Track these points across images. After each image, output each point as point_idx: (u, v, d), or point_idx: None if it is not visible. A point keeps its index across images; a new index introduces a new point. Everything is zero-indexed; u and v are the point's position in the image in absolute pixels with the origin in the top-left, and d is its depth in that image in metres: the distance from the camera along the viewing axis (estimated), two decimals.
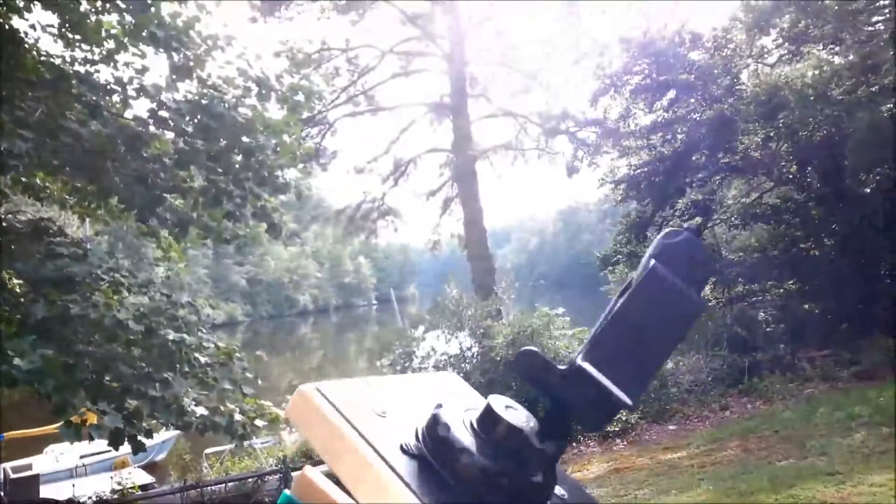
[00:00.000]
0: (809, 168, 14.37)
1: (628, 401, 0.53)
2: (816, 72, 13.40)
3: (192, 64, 5.76)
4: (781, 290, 14.61)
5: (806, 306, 14.24)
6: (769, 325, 14.30)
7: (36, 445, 16.15)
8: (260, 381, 5.84)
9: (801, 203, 14.45)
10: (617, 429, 11.41)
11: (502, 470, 0.51)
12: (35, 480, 12.13)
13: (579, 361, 0.55)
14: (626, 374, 0.55)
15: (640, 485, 8.18)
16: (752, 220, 14.95)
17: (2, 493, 12.49)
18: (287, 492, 0.53)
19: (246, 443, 8.72)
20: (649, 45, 15.07)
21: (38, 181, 7.01)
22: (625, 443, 11.11)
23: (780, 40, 14.76)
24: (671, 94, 15.25)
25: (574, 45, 20.59)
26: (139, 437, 4.83)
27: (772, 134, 14.01)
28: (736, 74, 14.88)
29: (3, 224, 5.62)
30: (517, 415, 0.54)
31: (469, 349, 14.11)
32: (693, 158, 14.86)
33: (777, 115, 13.30)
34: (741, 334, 13.81)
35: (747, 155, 14.23)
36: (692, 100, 14.86)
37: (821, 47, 14.05)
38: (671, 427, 11.63)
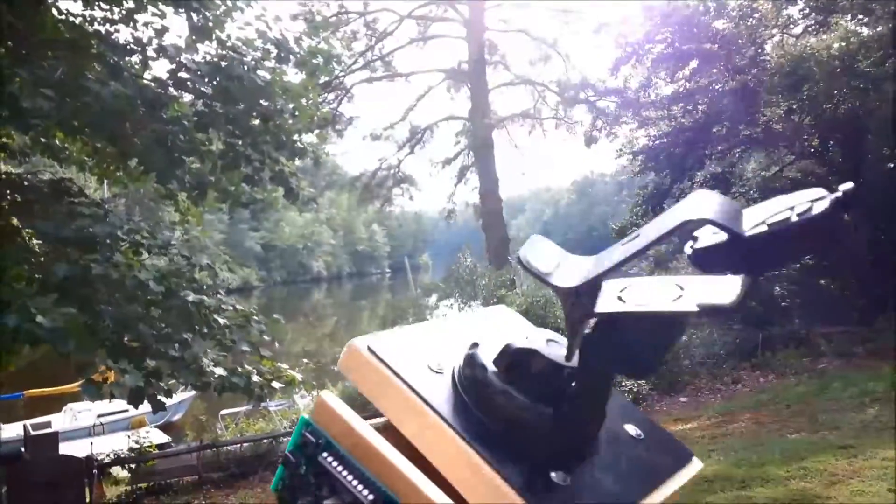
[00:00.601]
0: (832, 142, 14.13)
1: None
2: (843, 43, 13.09)
3: (211, 25, 5.72)
4: (798, 266, 14.49)
5: (822, 282, 14.14)
6: (784, 300, 14.21)
7: (54, 404, 16.50)
8: (277, 344, 5.91)
9: (823, 177, 14.23)
10: (628, 399, 11.47)
11: (536, 407, 0.50)
12: (54, 438, 12.36)
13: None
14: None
15: None
16: (772, 193, 14.52)
17: (22, 449, 12.80)
18: (305, 415, 0.53)
19: (261, 405, 8.85)
20: (673, 14, 14.78)
21: (57, 142, 7.04)
22: None
23: (807, 10, 14.41)
24: (694, 63, 15.00)
25: (595, 12, 20.23)
26: (158, 397, 4.91)
27: (795, 106, 13.76)
28: (760, 45, 14.59)
29: (25, 184, 5.66)
30: (555, 348, 0.52)
31: None
32: (714, 130, 14.66)
33: (801, 88, 13.05)
34: (756, 308, 13.75)
35: (769, 127, 14.01)
36: (715, 70, 14.61)
37: (849, 18, 13.70)
38: (682, 399, 11.67)
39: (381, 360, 0.54)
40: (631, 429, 0.59)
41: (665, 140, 15.48)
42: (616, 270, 0.47)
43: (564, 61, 21.69)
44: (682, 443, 0.60)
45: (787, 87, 13.18)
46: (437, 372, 0.55)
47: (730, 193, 15.41)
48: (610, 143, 19.45)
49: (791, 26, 15.32)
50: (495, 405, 0.51)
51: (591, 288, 0.47)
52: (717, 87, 14.56)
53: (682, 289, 0.47)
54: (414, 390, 0.52)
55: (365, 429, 0.51)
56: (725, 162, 15.40)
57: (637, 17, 16.15)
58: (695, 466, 0.59)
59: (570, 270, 0.49)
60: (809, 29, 14.70)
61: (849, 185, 0.46)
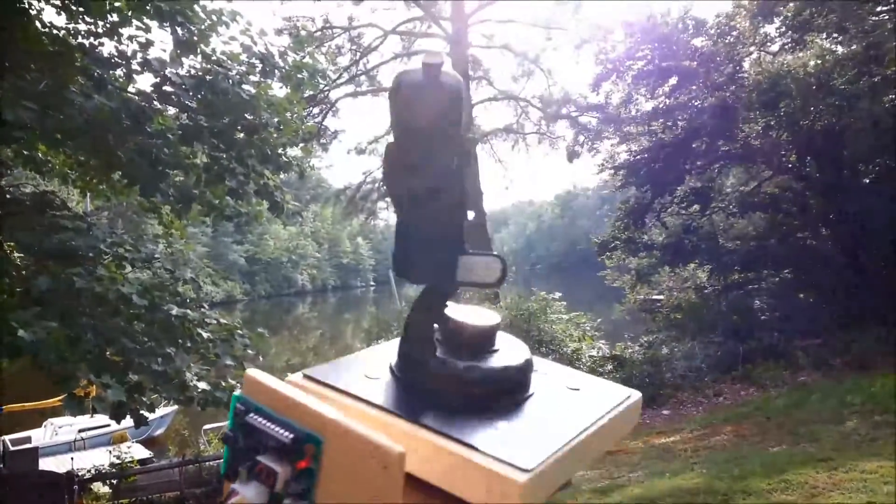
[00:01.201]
0: (809, 158, 14.39)
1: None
2: (819, 61, 13.38)
3: (196, 39, 5.73)
4: (777, 279, 14.69)
5: (801, 295, 14.34)
6: (764, 314, 14.40)
7: (34, 418, 16.26)
8: (261, 358, 5.89)
9: (800, 192, 14.49)
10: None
11: (463, 366, 0.56)
12: (34, 453, 12.20)
13: None
14: None
15: (633, 467, 8.29)
16: (751, 208, 15.00)
17: (1, 465, 12.59)
18: (237, 392, 0.55)
19: None
20: (652, 31, 15.02)
21: (39, 154, 7.01)
22: None
23: (784, 28, 14.71)
24: (673, 80, 15.24)
25: (576, 29, 20.49)
26: (141, 412, 4.88)
27: (772, 123, 14.01)
28: (739, 62, 14.86)
29: (7, 196, 5.63)
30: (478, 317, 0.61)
31: None
32: (693, 145, 14.87)
33: (778, 104, 13.30)
34: (736, 322, 13.90)
35: (747, 143, 14.24)
36: (694, 87, 14.85)
37: (824, 36, 14.02)
38: (665, 412, 11.75)
39: (317, 381, 0.59)
40: (570, 384, 0.63)
41: (646, 155, 15.67)
42: None
43: (547, 77, 21.93)
44: (620, 385, 0.64)
45: (764, 103, 13.42)
46: (373, 378, 0.59)
47: (709, 208, 15.61)
48: (592, 157, 19.67)
49: (768, 44, 15.63)
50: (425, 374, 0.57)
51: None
52: (696, 103, 14.79)
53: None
54: (349, 394, 0.57)
55: (288, 388, 0.53)
56: (705, 177, 15.61)
57: (618, 33, 16.39)
58: (634, 399, 0.62)
59: None
60: (786, 47, 15.01)
61: None
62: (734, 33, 14.93)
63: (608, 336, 16.11)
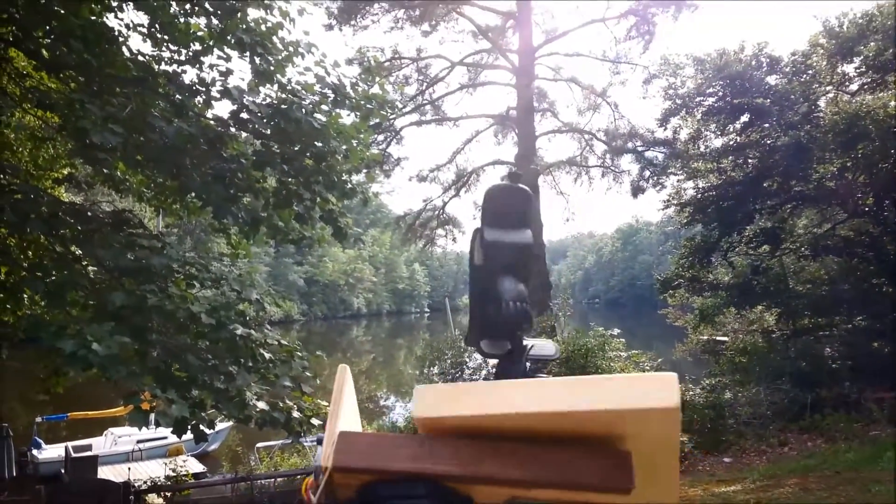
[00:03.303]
0: (887, 202, 13.80)
1: None
2: None
3: (273, 69, 5.93)
4: (850, 326, 14.05)
5: (875, 344, 13.65)
6: (835, 362, 13.75)
7: (95, 427, 16.80)
8: (318, 381, 5.95)
9: (876, 237, 13.88)
10: None
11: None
12: (94, 461, 12.59)
13: None
14: None
15: None
16: (823, 251, 14.45)
17: (63, 471, 13.03)
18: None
19: (298, 440, 8.88)
20: (725, 67, 14.77)
21: (118, 173, 7.33)
22: None
23: (864, 68, 14.26)
24: (745, 117, 14.91)
25: (645, 62, 20.33)
26: (201, 427, 4.98)
27: (849, 164, 13.53)
28: (814, 101, 14.44)
29: (88, 214, 5.89)
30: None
31: None
32: (764, 185, 14.47)
33: (856, 145, 12.84)
34: (805, 369, 13.33)
35: (822, 184, 13.77)
36: (766, 125, 14.48)
37: None
38: (726, 459, 11.30)
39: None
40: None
41: (714, 193, 15.33)
42: None
43: (613, 110, 21.77)
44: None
45: (840, 144, 12.98)
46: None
47: (780, 249, 15.10)
48: (657, 192, 19.36)
49: (846, 83, 15.15)
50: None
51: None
52: (768, 141, 14.41)
53: None
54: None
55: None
56: (776, 217, 15.14)
57: (688, 69, 16.18)
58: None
59: None
60: (865, 87, 14.52)
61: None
62: (810, 72, 14.54)
63: None
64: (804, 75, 14.54)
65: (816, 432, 11.62)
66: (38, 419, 15.89)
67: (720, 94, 15.08)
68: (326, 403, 6.34)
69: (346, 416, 0.85)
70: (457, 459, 0.71)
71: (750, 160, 14.92)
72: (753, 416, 12.55)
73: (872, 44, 13.56)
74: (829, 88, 15.09)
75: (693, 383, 15.37)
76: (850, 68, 14.87)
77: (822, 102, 14.84)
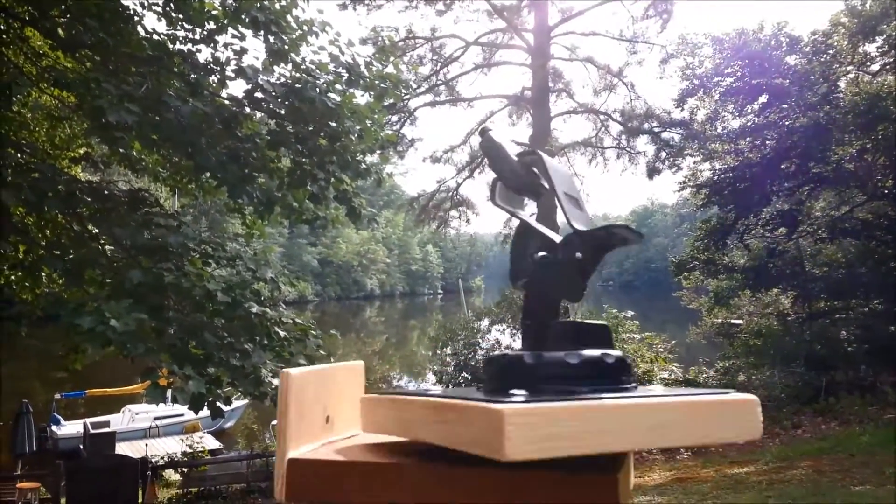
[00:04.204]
0: None
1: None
2: None
3: (287, 48, 5.92)
4: (867, 310, 13.93)
5: (892, 328, 13.53)
6: (851, 345, 13.65)
7: (113, 404, 17.07)
8: (332, 359, 6.01)
9: (895, 220, 13.71)
10: None
11: None
12: (112, 437, 12.79)
13: None
14: None
15: (703, 496, 7.99)
16: (841, 234, 14.28)
17: (81, 447, 13.27)
18: None
19: None
20: (743, 47, 14.55)
21: (134, 153, 7.38)
22: (689, 453, 10.87)
23: (886, 47, 13.99)
24: (763, 98, 14.70)
25: (662, 42, 20.08)
26: (218, 404, 5.05)
27: (868, 146, 13.32)
28: (834, 81, 14.20)
29: (105, 192, 5.95)
30: None
31: None
32: (782, 166, 14.29)
33: (876, 127, 12.64)
34: (820, 352, 13.25)
35: (840, 166, 13.58)
36: (785, 105, 14.27)
37: None
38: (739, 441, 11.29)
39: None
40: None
41: (731, 174, 15.17)
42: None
43: (629, 91, 21.54)
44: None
45: (860, 125, 12.78)
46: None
47: (796, 231, 14.96)
48: (673, 174, 19.19)
49: (868, 63, 14.89)
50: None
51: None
52: (787, 122, 14.21)
53: None
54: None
55: None
56: (793, 199, 14.98)
57: (706, 49, 15.96)
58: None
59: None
60: (887, 67, 14.26)
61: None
62: (830, 52, 14.29)
63: (681, 359, 15.63)
64: (824, 55, 14.29)
65: (830, 415, 11.58)
66: (57, 396, 16.17)
67: (738, 74, 14.86)
68: None
69: (298, 430, 0.67)
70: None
71: (768, 142, 14.73)
72: (767, 399, 12.53)
73: (895, 22, 13.30)
74: (849, 68, 14.83)
75: (707, 366, 15.34)
76: (871, 48, 14.60)
77: (842, 83, 14.60)
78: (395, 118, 20.96)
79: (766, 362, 13.74)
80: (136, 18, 6.47)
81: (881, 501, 6.63)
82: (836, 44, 14.35)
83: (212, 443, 14.37)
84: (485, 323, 15.76)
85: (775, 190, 14.92)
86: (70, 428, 15.45)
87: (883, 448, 9.14)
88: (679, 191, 17.85)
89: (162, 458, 11.78)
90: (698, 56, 16.07)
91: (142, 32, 6.51)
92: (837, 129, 13.10)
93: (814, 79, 13.84)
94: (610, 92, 22.14)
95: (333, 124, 6.26)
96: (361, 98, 6.81)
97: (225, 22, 6.12)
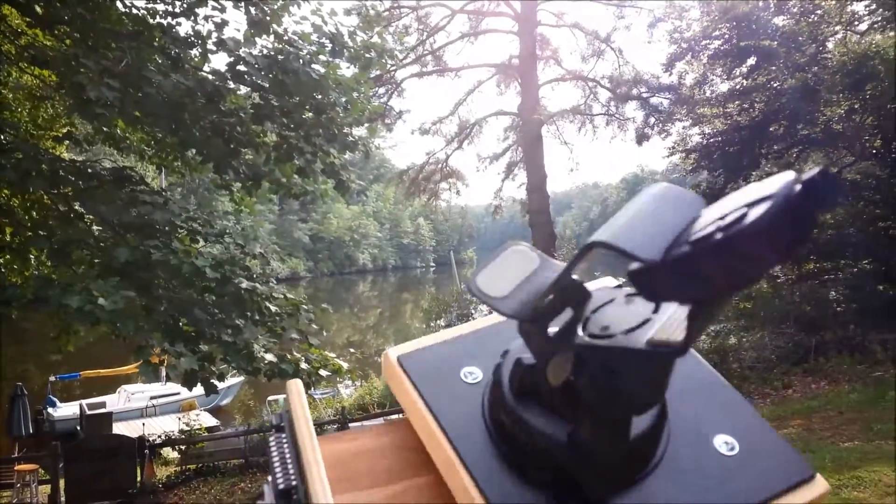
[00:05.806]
0: (895, 143, 13.63)
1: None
2: None
3: (269, 19, 5.83)
4: (855, 270, 14.03)
5: (881, 287, 13.66)
6: (840, 305, 13.77)
7: (108, 385, 17.08)
8: (325, 334, 6.02)
9: (884, 180, 13.75)
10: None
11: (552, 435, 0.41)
12: (108, 418, 12.82)
13: None
14: None
15: None
16: None
17: (78, 428, 13.31)
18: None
19: (307, 392, 9.04)
20: (731, 9, 14.43)
21: (118, 131, 7.29)
22: None
23: (874, 6, 13.90)
24: (752, 60, 14.63)
25: (650, 6, 19.89)
26: (212, 380, 5.06)
27: (856, 106, 13.31)
28: (822, 42, 14.13)
29: (89, 171, 5.88)
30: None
31: None
32: (771, 129, 14.28)
33: (864, 87, 12.61)
34: (809, 313, 13.37)
35: (829, 127, 13.58)
36: (773, 67, 14.21)
37: None
38: None
39: (409, 377, 0.50)
40: (721, 441, 0.47)
41: (720, 138, 15.15)
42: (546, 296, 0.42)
43: (617, 56, 21.38)
44: (799, 456, 0.46)
45: (848, 85, 12.74)
46: (471, 384, 0.50)
47: None
48: (662, 140, 19.15)
49: (855, 23, 14.80)
50: (511, 435, 0.44)
51: (536, 315, 0.41)
52: (775, 84, 14.17)
53: (655, 311, 0.39)
54: (435, 418, 0.47)
55: (306, 423, 0.47)
56: (782, 162, 14.99)
57: (693, 12, 15.84)
58: (817, 488, 0.45)
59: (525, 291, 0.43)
60: (875, 26, 14.18)
61: (814, 171, 0.30)
62: (819, 12, 14.19)
63: None
64: (812, 15, 14.20)
65: (820, 375, 11.72)
66: (52, 378, 16.15)
67: (726, 36, 14.77)
68: (334, 356, 6.43)
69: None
70: None
71: (756, 104, 14.69)
72: (758, 361, 12.67)
73: None
74: (837, 28, 14.75)
75: None
76: (859, 6, 14.52)
77: (830, 43, 14.52)
78: (381, 90, 20.76)
79: (757, 325, 13.86)
80: None
81: (868, 456, 6.74)
82: (823, 3, 14.26)
83: (209, 420, 14.42)
84: None
85: (764, 153, 14.93)
86: (66, 409, 15.46)
87: (871, 405, 9.29)
88: (668, 156, 17.85)
89: (159, 436, 11.82)
90: (686, 19, 15.97)
91: (121, 7, 6.40)
92: (825, 90, 13.07)
93: (802, 39, 13.77)
94: (598, 58, 21.98)
95: (319, 96, 6.20)
96: (347, 70, 6.74)
97: None
